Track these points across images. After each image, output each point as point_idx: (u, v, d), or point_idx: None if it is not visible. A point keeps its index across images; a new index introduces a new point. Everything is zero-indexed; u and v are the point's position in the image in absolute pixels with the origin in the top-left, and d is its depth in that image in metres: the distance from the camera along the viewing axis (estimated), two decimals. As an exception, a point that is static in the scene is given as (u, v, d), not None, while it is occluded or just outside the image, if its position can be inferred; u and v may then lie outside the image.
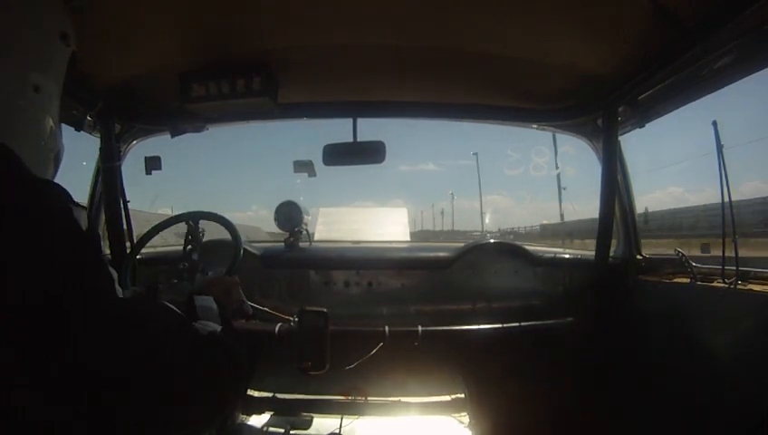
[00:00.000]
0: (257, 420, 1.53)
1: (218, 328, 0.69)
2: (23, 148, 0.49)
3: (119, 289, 0.52)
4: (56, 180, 0.60)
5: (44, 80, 0.57)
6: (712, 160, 1.27)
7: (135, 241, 1.67)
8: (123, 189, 1.71)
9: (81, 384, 0.43)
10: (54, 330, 0.41)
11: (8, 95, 0.53)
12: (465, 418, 1.52)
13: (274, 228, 1.96)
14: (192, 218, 1.49)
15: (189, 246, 1.46)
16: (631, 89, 1.41)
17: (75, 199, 0.52)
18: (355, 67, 1.46)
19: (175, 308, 0.57)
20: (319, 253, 1.93)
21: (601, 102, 1.59)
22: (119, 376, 0.45)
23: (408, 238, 2.45)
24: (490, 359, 1.68)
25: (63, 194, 0.49)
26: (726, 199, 1.26)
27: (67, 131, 1.45)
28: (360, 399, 1.60)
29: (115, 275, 0.52)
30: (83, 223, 0.49)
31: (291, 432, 1.48)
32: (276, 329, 1.53)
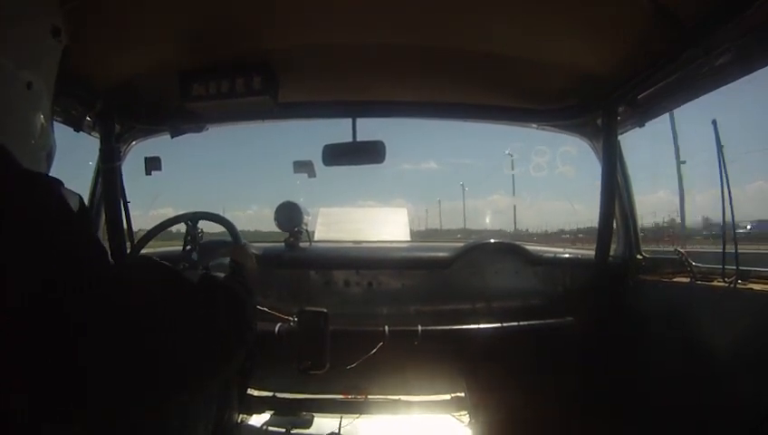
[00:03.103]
0: (257, 420, 1.53)
1: (220, 274, 0.70)
2: (14, 145, 0.49)
3: (111, 260, 0.52)
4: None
5: (37, 76, 0.56)
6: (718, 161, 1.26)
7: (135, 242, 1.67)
8: (123, 190, 1.71)
9: (79, 362, 0.43)
10: (54, 314, 0.42)
11: (3, 93, 0.53)
12: (466, 417, 1.52)
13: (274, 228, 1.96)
14: (191, 219, 1.48)
15: (188, 247, 1.46)
16: (631, 88, 1.41)
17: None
18: (355, 67, 1.46)
19: (164, 262, 0.59)
20: (319, 253, 1.93)
21: (601, 102, 1.59)
22: (119, 340, 0.46)
23: (409, 238, 2.45)
24: (490, 358, 1.68)
25: (55, 182, 0.50)
26: (727, 199, 1.26)
27: (67, 131, 1.47)
28: (361, 398, 1.60)
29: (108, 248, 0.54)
30: (75, 205, 0.51)
31: (291, 431, 1.48)
32: (276, 329, 1.53)
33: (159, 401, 0.51)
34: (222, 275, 0.71)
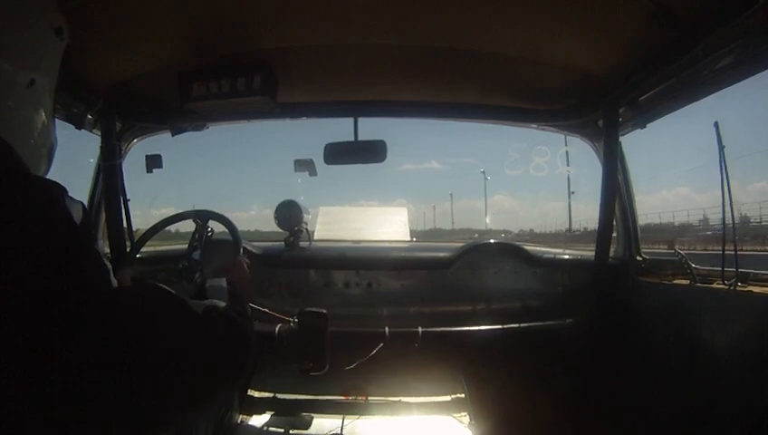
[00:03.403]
0: (257, 421, 1.53)
1: (222, 303, 0.70)
2: (15, 142, 0.49)
3: (114, 280, 0.52)
4: (54, 177, 0.60)
5: (39, 74, 0.57)
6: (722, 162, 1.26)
7: (135, 240, 1.67)
8: (124, 188, 1.71)
9: (78, 378, 0.43)
10: (50, 325, 0.42)
11: (2, 89, 0.53)
12: (466, 418, 1.52)
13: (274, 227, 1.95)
14: (200, 217, 1.47)
15: (195, 244, 1.45)
16: (632, 89, 1.41)
17: (73, 196, 0.53)
18: (355, 67, 1.46)
19: (169, 289, 0.58)
20: (319, 253, 1.93)
21: (602, 103, 1.59)
22: (117, 362, 0.45)
23: (409, 238, 2.44)
24: (490, 359, 1.68)
25: (58, 190, 0.50)
26: (727, 199, 1.26)
27: (68, 129, 1.47)
28: (361, 399, 1.60)
29: (110, 266, 0.53)
30: (78, 216, 0.50)
31: (291, 432, 1.48)
32: (276, 329, 1.53)
33: (157, 423, 0.51)
34: (222, 303, 0.71)
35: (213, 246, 1.50)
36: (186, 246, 1.48)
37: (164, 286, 0.58)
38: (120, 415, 0.46)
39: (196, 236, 1.45)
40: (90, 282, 0.47)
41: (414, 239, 2.53)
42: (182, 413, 0.54)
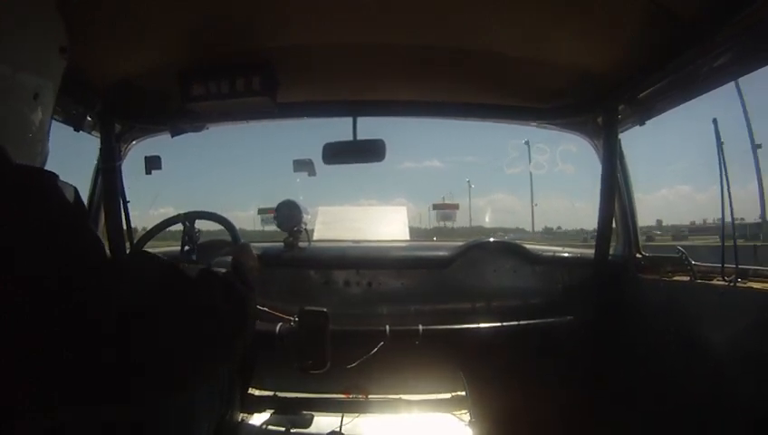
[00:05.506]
0: (258, 419, 1.53)
1: (222, 270, 0.71)
2: (18, 150, 0.52)
3: (108, 253, 0.53)
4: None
5: (43, 88, 0.62)
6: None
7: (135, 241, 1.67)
8: (123, 189, 1.71)
9: (82, 353, 0.44)
10: (53, 306, 0.43)
11: (12, 103, 0.58)
12: (466, 415, 1.53)
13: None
14: (187, 219, 1.49)
15: (187, 247, 1.46)
16: (631, 87, 1.41)
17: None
18: (355, 66, 1.46)
19: (163, 256, 0.60)
20: (318, 252, 1.93)
21: (601, 100, 1.59)
22: (116, 329, 0.47)
23: (408, 237, 2.45)
24: (490, 357, 1.68)
25: (51, 175, 0.52)
26: (726, 197, 1.26)
27: (66, 131, 1.47)
28: (361, 397, 1.60)
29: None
30: (71, 197, 0.53)
31: (291, 430, 1.48)
32: (277, 329, 1.53)
33: (162, 389, 0.52)
34: (222, 270, 0.72)
35: (212, 246, 1.51)
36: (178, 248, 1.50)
37: (157, 255, 0.59)
38: (123, 386, 0.47)
39: (186, 237, 1.46)
40: (88, 257, 0.49)
41: (435, 238, 2.52)
42: (188, 376, 0.55)
